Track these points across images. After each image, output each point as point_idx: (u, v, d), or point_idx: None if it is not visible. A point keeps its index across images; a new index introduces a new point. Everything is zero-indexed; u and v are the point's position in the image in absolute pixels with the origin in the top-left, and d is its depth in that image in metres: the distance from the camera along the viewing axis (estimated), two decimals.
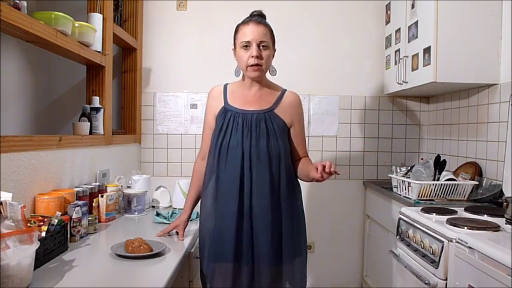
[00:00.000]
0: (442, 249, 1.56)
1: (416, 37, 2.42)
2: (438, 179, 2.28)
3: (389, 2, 2.86)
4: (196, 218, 2.05)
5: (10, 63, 2.23)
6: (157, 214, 2.04)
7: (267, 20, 1.68)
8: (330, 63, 3.03)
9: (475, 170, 2.32)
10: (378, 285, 2.73)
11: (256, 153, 1.59)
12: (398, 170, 2.49)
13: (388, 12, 2.89)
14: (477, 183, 2.24)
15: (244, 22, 1.65)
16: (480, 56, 2.24)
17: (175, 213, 2.08)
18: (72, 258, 1.40)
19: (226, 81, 1.78)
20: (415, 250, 1.79)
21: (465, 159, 2.52)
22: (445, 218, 1.72)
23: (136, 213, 2.18)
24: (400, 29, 2.67)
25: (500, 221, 1.65)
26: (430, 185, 2.20)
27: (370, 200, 2.93)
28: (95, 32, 2.06)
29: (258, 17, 1.66)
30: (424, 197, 2.20)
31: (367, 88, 3.05)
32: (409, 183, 2.26)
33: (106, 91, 2.27)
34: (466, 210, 1.88)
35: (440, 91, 2.75)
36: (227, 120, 1.64)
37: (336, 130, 3.05)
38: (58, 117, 2.70)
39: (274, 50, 1.70)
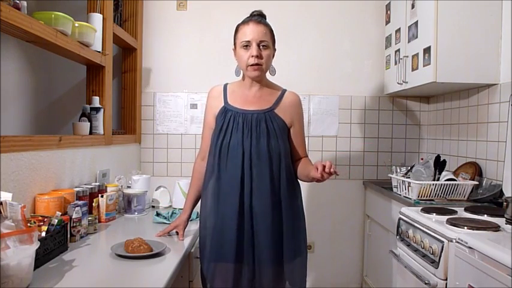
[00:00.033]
0: (442, 249, 1.56)
1: (416, 37, 2.42)
2: (438, 179, 2.28)
3: (389, 2, 2.86)
4: (196, 218, 2.05)
5: (10, 63, 2.23)
6: (157, 214, 2.04)
7: (267, 20, 1.68)
8: (330, 63, 3.03)
9: (475, 170, 2.32)
10: (378, 285, 2.73)
11: (257, 153, 1.60)
12: (398, 170, 2.49)
13: (388, 12, 2.89)
14: (477, 183, 2.24)
15: (244, 22, 1.65)
16: (480, 56, 2.24)
17: (175, 213, 2.08)
18: (72, 258, 1.40)
19: (226, 81, 1.78)
20: (415, 250, 1.79)
21: (465, 159, 2.52)
22: (445, 218, 1.72)
23: (136, 213, 2.18)
24: (400, 29, 2.67)
25: (500, 221, 1.65)
26: (430, 185, 2.20)
27: (370, 200, 2.93)
28: (95, 32, 2.06)
29: (258, 17, 1.66)
30: (424, 197, 2.20)
31: (367, 88, 3.05)
32: (409, 183, 2.26)
33: (106, 91, 2.27)
34: (466, 210, 1.88)
35: (440, 91, 2.75)
36: (227, 120, 1.64)
37: (336, 130, 3.06)
38: (58, 117, 2.70)
39: (275, 50, 1.70)
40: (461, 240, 1.46)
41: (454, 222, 1.63)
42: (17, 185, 1.51)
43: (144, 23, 2.96)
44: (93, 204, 1.88)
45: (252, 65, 1.61)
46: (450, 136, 2.74)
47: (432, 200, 2.20)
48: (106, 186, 2.10)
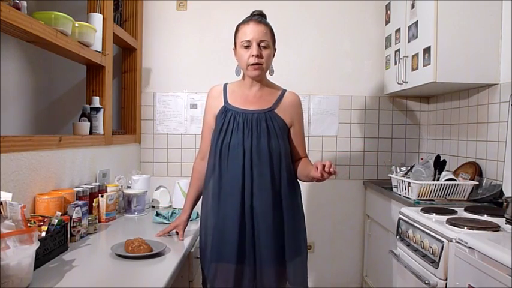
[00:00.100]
0: (442, 249, 1.56)
1: (416, 37, 2.42)
2: (438, 179, 2.28)
3: (389, 2, 2.86)
4: (197, 218, 2.06)
5: (10, 63, 2.23)
6: (157, 214, 2.04)
7: (267, 20, 1.68)
8: (330, 63, 3.03)
9: (475, 170, 2.32)
10: (378, 285, 2.73)
11: (257, 153, 1.60)
12: (398, 170, 2.49)
13: (388, 12, 2.89)
14: (477, 183, 2.24)
15: (245, 21, 1.65)
16: (480, 56, 2.24)
17: (175, 213, 2.08)
18: (72, 258, 1.40)
19: (226, 81, 1.78)
20: (415, 250, 1.79)
21: (465, 159, 2.52)
22: (445, 218, 1.72)
23: (136, 213, 2.18)
24: (400, 29, 2.67)
25: (500, 221, 1.65)
26: (430, 185, 2.20)
27: (370, 200, 2.93)
28: (95, 32, 2.06)
29: (259, 17, 1.66)
30: (424, 197, 2.20)
31: (367, 88, 3.05)
32: (409, 183, 2.26)
33: (106, 91, 2.27)
34: (466, 210, 1.88)
35: (440, 91, 2.75)
36: (227, 120, 1.64)
37: (336, 130, 3.06)
38: (58, 117, 2.70)
39: (275, 50, 1.71)
40: (461, 240, 1.46)
41: (454, 222, 1.63)
42: (17, 185, 1.51)
43: (144, 23, 2.96)
44: (93, 204, 1.88)
45: (252, 64, 1.61)
46: (450, 136, 2.74)
47: (432, 200, 2.20)
48: (106, 186, 2.10)
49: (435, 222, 1.71)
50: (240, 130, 1.62)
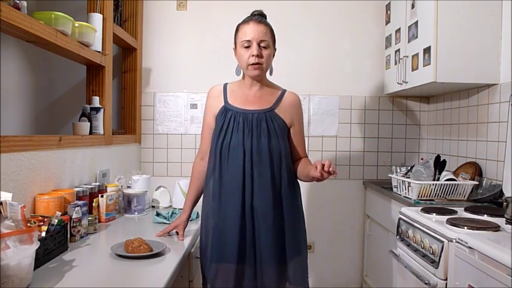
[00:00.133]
0: (442, 249, 1.56)
1: (416, 37, 2.42)
2: (438, 179, 2.28)
3: (389, 2, 2.86)
4: (197, 218, 2.06)
5: (10, 63, 2.23)
6: (157, 214, 2.04)
7: (267, 20, 1.68)
8: (330, 63, 3.03)
9: (475, 170, 2.32)
10: (378, 285, 2.73)
11: (258, 153, 1.60)
12: (398, 170, 2.49)
13: (388, 12, 2.89)
14: (477, 183, 2.24)
15: (245, 21, 1.65)
16: (480, 56, 2.24)
17: (175, 213, 2.08)
18: (72, 258, 1.40)
19: (226, 81, 1.78)
20: (415, 250, 1.79)
21: (465, 159, 2.52)
22: (445, 218, 1.72)
23: (136, 213, 2.18)
24: (400, 29, 2.67)
25: (500, 221, 1.65)
26: (430, 185, 2.20)
27: (370, 200, 2.93)
28: (95, 32, 2.06)
29: (259, 17, 1.66)
30: (424, 197, 2.20)
31: (367, 88, 3.05)
32: (409, 183, 2.26)
33: (106, 91, 2.27)
34: (466, 210, 1.88)
35: (440, 91, 2.75)
36: (228, 120, 1.64)
37: (336, 130, 3.06)
38: (58, 117, 2.70)
39: (275, 50, 1.71)
40: (461, 240, 1.46)
41: (454, 222, 1.63)
42: (17, 185, 1.51)
43: (144, 23, 2.96)
44: (93, 204, 1.88)
45: (252, 64, 1.61)
46: (450, 136, 2.74)
47: (432, 200, 2.20)
48: (106, 186, 2.10)
49: (435, 222, 1.71)
50: (240, 130, 1.62)
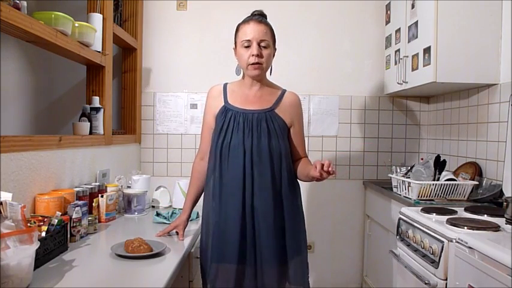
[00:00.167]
0: (442, 249, 1.56)
1: (416, 37, 2.42)
2: (438, 179, 2.28)
3: (389, 2, 2.86)
4: (197, 218, 2.06)
5: (10, 63, 2.23)
6: (157, 214, 2.04)
7: (267, 20, 1.69)
8: (330, 63, 3.03)
9: (475, 170, 2.32)
10: (378, 285, 2.73)
11: (258, 153, 1.60)
12: (398, 170, 2.49)
13: (388, 12, 2.89)
14: (477, 183, 2.24)
15: (245, 21, 1.65)
16: (480, 56, 2.24)
17: (175, 213, 2.08)
18: (72, 258, 1.40)
19: (226, 81, 1.78)
20: (415, 250, 1.79)
21: (465, 159, 2.52)
22: (445, 218, 1.72)
23: (136, 213, 2.18)
24: (400, 29, 2.67)
25: (500, 221, 1.65)
26: (430, 185, 2.20)
27: (370, 200, 2.93)
28: (95, 32, 2.06)
29: (259, 16, 1.66)
30: (424, 197, 2.20)
31: (367, 88, 3.05)
32: (409, 183, 2.26)
33: (106, 91, 2.27)
34: (466, 210, 1.88)
35: (440, 91, 2.75)
36: (228, 120, 1.64)
37: (336, 130, 3.06)
38: (58, 117, 2.70)
39: (275, 50, 1.71)
40: (461, 240, 1.46)
41: (454, 222, 1.63)
42: (17, 185, 1.51)
43: (144, 23, 2.96)
44: (93, 204, 1.88)
45: (252, 64, 1.61)
46: (450, 136, 2.74)
47: (432, 200, 2.20)
48: (106, 186, 2.10)
49: (435, 222, 1.71)
50: (240, 130, 1.62)
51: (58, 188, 1.80)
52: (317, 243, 3.05)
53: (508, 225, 1.61)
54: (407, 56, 2.53)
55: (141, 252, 1.43)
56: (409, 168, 2.44)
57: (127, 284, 1.23)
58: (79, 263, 1.36)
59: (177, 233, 1.74)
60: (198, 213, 2.07)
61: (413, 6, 2.47)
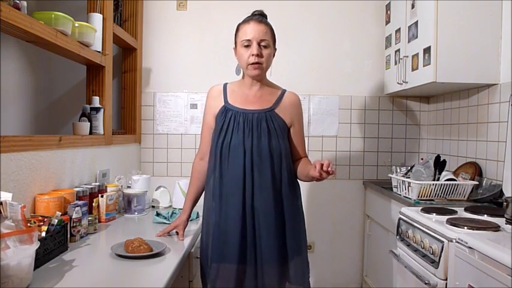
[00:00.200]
0: (442, 249, 1.56)
1: (416, 37, 2.42)
2: (438, 179, 2.28)
3: (389, 2, 2.86)
4: (197, 218, 2.06)
5: (10, 63, 2.23)
6: (157, 214, 2.04)
7: (268, 20, 1.69)
8: (330, 63, 3.03)
9: (475, 170, 2.32)
10: (378, 285, 2.73)
11: (258, 153, 1.60)
12: (398, 170, 2.49)
13: (388, 12, 2.89)
14: (477, 183, 2.24)
15: (246, 21, 1.65)
16: (480, 56, 2.24)
17: (175, 213, 2.08)
18: (72, 258, 1.40)
19: (226, 81, 1.78)
20: (415, 250, 1.79)
21: (465, 159, 2.52)
22: (445, 218, 1.72)
23: (136, 213, 2.18)
24: (400, 29, 2.67)
25: (500, 221, 1.65)
26: (430, 185, 2.20)
27: (370, 200, 2.93)
28: (95, 32, 2.06)
29: (259, 16, 1.66)
30: (424, 197, 2.20)
31: (367, 88, 3.05)
32: (409, 183, 2.26)
33: (106, 91, 2.27)
34: (466, 210, 1.88)
35: (440, 91, 2.75)
36: (228, 120, 1.64)
37: (336, 130, 3.06)
38: (58, 117, 2.70)
39: (275, 50, 1.71)
40: (461, 240, 1.46)
41: (454, 222, 1.63)
42: (17, 185, 1.51)
43: (144, 23, 2.96)
44: (93, 204, 1.88)
45: (252, 63, 1.61)
46: (450, 136, 2.74)
47: (432, 200, 2.20)
48: (106, 186, 2.10)
49: (435, 222, 1.71)
50: (240, 130, 1.62)
51: (58, 188, 1.80)
52: (317, 243, 3.05)
53: (508, 225, 1.61)
54: (407, 56, 2.53)
55: (141, 252, 1.43)
56: (409, 168, 2.44)
57: (127, 284, 1.23)
58: (79, 263, 1.36)
59: (177, 233, 1.74)
60: (198, 213, 2.07)
61: (413, 6, 2.47)
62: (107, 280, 1.25)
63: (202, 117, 1.80)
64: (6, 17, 1.35)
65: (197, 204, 1.81)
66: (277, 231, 1.59)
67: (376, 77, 3.03)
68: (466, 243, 1.42)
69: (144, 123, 3.00)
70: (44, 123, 2.59)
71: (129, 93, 2.87)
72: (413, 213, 1.91)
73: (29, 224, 1.32)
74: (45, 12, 1.70)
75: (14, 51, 2.27)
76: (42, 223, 1.42)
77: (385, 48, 2.94)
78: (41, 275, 1.23)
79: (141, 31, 2.92)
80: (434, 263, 1.60)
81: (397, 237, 2.01)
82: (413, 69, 2.46)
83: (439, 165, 2.35)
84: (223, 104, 1.69)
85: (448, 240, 1.55)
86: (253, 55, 1.60)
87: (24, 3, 1.54)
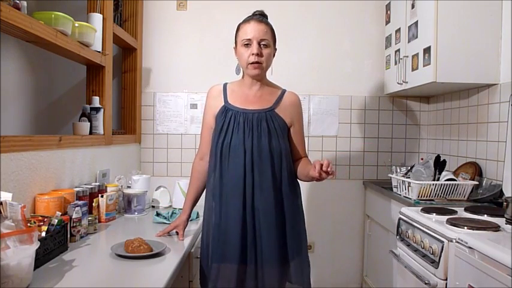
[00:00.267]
0: (442, 249, 1.56)
1: (416, 37, 2.42)
2: (438, 179, 2.28)
3: (389, 2, 2.86)
4: (197, 218, 2.06)
5: (10, 63, 2.23)
6: (157, 214, 2.04)
7: (268, 20, 1.69)
8: (330, 63, 3.03)
9: (475, 170, 2.32)
10: (378, 285, 2.73)
11: (258, 153, 1.60)
12: (398, 170, 2.49)
13: (388, 12, 2.89)
14: (477, 183, 2.24)
15: (246, 20, 1.66)
16: (480, 56, 2.24)
17: (175, 213, 2.08)
18: (72, 258, 1.40)
19: (226, 81, 1.78)
20: (415, 250, 1.79)
21: (465, 159, 2.52)
22: (445, 218, 1.72)
23: (136, 213, 2.18)
24: (400, 29, 2.67)
25: (500, 221, 1.65)
26: (430, 185, 2.20)
27: (370, 200, 2.93)
28: (95, 32, 2.06)
29: (260, 16, 1.67)
30: (424, 197, 2.20)
31: (367, 88, 3.05)
32: (409, 183, 2.26)
33: (106, 91, 2.27)
34: (466, 210, 1.88)
35: (440, 91, 2.75)
36: (228, 120, 1.65)
37: (336, 130, 3.05)
38: (58, 117, 2.70)
39: (275, 50, 1.71)
40: (461, 240, 1.46)
41: (454, 222, 1.63)
42: (17, 185, 1.51)
43: (144, 23, 2.96)
44: (93, 204, 1.88)
45: (252, 63, 1.61)
46: (450, 136, 2.74)
47: (432, 200, 2.20)
48: (106, 186, 2.10)
49: (435, 222, 1.71)
50: (240, 130, 1.62)
51: (58, 188, 1.80)
52: (317, 243, 3.05)
53: (508, 225, 1.61)
54: (407, 56, 2.53)
55: (141, 252, 1.43)
56: (409, 168, 2.44)
57: (127, 284, 1.23)
58: (79, 263, 1.36)
59: (177, 233, 1.74)
60: (198, 213, 2.07)
61: (413, 6, 2.47)
62: (107, 280, 1.26)
63: (202, 117, 1.80)
64: (6, 17, 1.35)
65: (197, 204, 1.81)
66: (278, 231, 1.60)
67: (376, 77, 3.03)
68: (466, 243, 1.42)
69: (144, 123, 3.00)
70: (44, 123, 2.59)
71: (129, 93, 2.87)
72: (413, 213, 1.91)
73: (29, 224, 1.32)
74: (45, 12, 1.70)
75: (14, 51, 2.26)
76: (42, 223, 1.42)
77: (385, 48, 2.94)
78: (41, 275, 1.23)
79: (141, 31, 2.92)
80: (434, 263, 1.60)
81: (397, 237, 2.01)
82: (413, 69, 2.46)
83: (439, 165, 2.35)
84: (223, 104, 1.70)
85: (448, 240, 1.55)
86: (253, 54, 1.60)
87: (24, 3, 1.54)
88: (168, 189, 2.46)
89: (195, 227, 1.89)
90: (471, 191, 2.21)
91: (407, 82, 2.55)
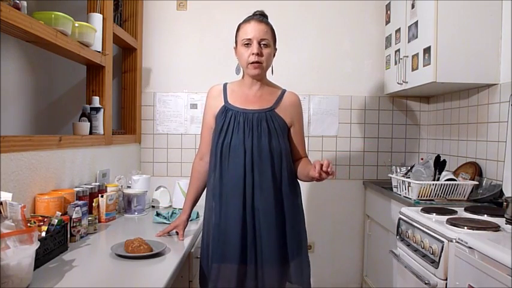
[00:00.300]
0: (442, 249, 1.56)
1: (416, 37, 2.42)
2: (438, 179, 2.28)
3: (389, 2, 2.86)
4: (197, 218, 2.06)
5: (10, 63, 2.23)
6: (157, 214, 2.04)
7: (268, 20, 1.69)
8: (330, 63, 3.03)
9: (475, 170, 2.32)
10: (378, 285, 2.73)
11: (258, 153, 1.60)
12: (398, 170, 2.49)
13: (388, 12, 2.89)
14: (477, 183, 2.24)
15: (246, 20, 1.66)
16: (480, 56, 2.24)
17: (175, 213, 2.08)
18: (72, 258, 1.40)
19: (226, 81, 1.78)
20: (415, 250, 1.79)
21: (465, 159, 2.52)
22: (445, 218, 1.72)
23: (136, 213, 2.18)
24: (400, 29, 2.67)
25: (500, 221, 1.65)
26: (430, 185, 2.20)
27: (370, 200, 2.93)
28: (95, 32, 2.06)
29: (260, 16, 1.67)
30: (424, 197, 2.20)
31: (367, 88, 3.05)
32: (409, 183, 2.26)
33: (106, 91, 2.27)
34: (466, 210, 1.88)
35: (440, 91, 2.75)
36: (228, 120, 1.65)
37: (336, 130, 3.06)
38: (58, 117, 2.70)
39: (275, 49, 1.71)
40: (461, 240, 1.46)
41: (454, 222, 1.63)
42: (17, 185, 1.51)
43: (144, 23, 2.96)
44: (93, 204, 1.88)
45: (252, 62, 1.61)
46: (450, 136, 2.74)
47: (432, 200, 2.20)
48: (106, 186, 2.10)
49: (435, 222, 1.71)
50: (240, 130, 1.62)
51: (58, 188, 1.80)
52: (317, 243, 3.05)
53: (508, 225, 1.61)
54: (407, 56, 2.53)
55: (141, 252, 1.43)
56: (409, 168, 2.44)
57: (127, 284, 1.23)
58: (79, 263, 1.36)
59: (177, 233, 1.74)
60: (198, 213, 2.07)
61: (413, 6, 2.47)
62: (107, 280, 1.26)
63: (202, 117, 1.80)
64: (6, 17, 1.35)
65: (197, 204, 1.81)
66: (278, 231, 1.60)
67: (376, 77, 3.03)
68: (466, 243, 1.42)
69: (144, 123, 3.00)
70: (44, 123, 2.59)
71: (129, 93, 2.87)
72: (413, 213, 1.91)
73: (29, 224, 1.32)
74: (45, 12, 1.70)
75: (14, 51, 2.26)
76: (42, 223, 1.42)
77: (385, 48, 2.94)
78: (41, 275, 1.23)
79: (141, 31, 2.92)
80: (434, 263, 1.60)
81: (397, 237, 2.01)
82: (413, 69, 2.46)
83: (439, 165, 2.35)
84: (223, 103, 1.70)
85: (448, 240, 1.55)
86: (253, 54, 1.60)
87: (24, 3, 1.54)
88: (168, 189, 2.46)
89: (195, 227, 1.89)
90: (471, 191, 2.21)
91: (407, 82, 2.55)
